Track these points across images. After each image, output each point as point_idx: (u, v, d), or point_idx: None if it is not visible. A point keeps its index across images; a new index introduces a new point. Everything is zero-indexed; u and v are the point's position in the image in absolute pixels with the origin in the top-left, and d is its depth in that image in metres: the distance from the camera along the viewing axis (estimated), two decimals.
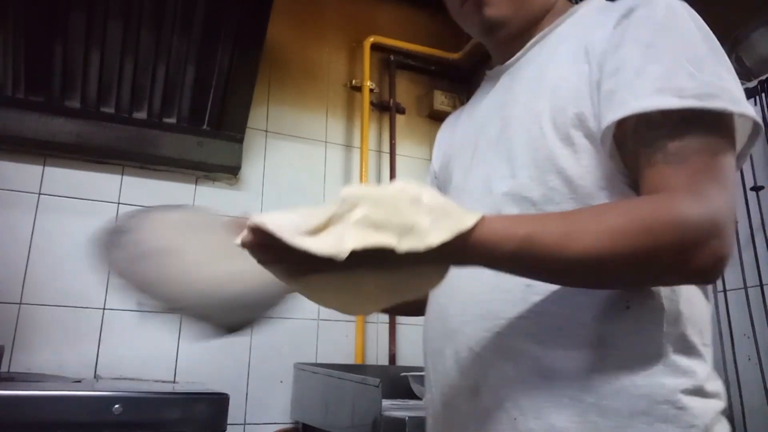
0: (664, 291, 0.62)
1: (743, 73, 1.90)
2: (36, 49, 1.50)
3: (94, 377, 1.55)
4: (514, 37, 0.79)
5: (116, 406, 1.01)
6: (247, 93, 1.71)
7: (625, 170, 0.63)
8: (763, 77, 1.66)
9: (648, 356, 0.60)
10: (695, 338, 0.63)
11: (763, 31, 1.76)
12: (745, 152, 0.64)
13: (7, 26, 1.45)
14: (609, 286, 0.61)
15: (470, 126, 0.85)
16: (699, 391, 0.61)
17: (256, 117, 1.88)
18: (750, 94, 1.68)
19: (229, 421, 1.09)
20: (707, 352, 0.64)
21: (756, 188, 1.63)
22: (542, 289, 0.63)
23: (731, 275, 1.64)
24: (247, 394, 1.69)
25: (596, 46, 0.66)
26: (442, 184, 0.89)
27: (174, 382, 1.61)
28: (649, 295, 0.61)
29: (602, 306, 0.61)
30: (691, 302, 0.64)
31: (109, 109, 1.65)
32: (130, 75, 1.60)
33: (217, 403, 1.09)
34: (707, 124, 0.58)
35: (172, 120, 1.72)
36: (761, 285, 1.55)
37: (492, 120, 0.77)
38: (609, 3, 0.72)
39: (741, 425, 1.48)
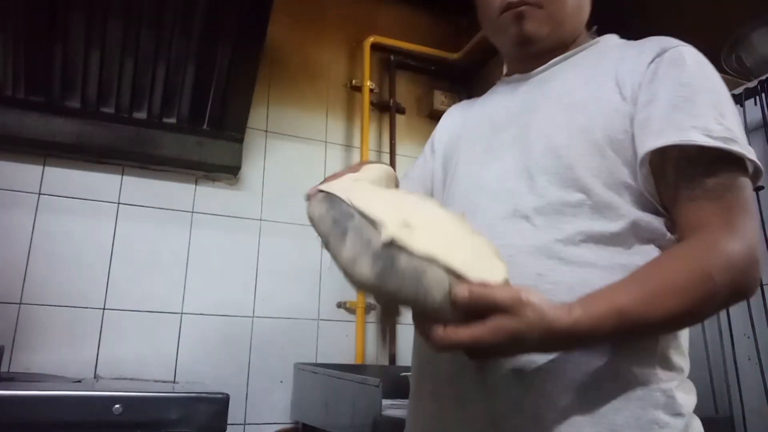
0: None
1: (743, 73, 1.90)
2: (36, 49, 1.50)
3: (94, 377, 1.55)
4: (543, 53, 0.84)
5: (116, 406, 1.01)
6: (247, 93, 1.71)
7: (653, 190, 0.70)
8: (763, 77, 1.66)
9: (645, 349, 0.67)
10: (682, 339, 0.71)
11: (763, 31, 1.76)
12: None
13: (7, 26, 1.45)
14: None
15: (483, 123, 0.89)
16: (684, 385, 0.69)
17: (256, 117, 1.88)
18: (750, 94, 1.68)
19: (229, 421, 1.09)
20: (687, 353, 0.73)
21: (756, 188, 1.62)
22: (552, 278, 0.69)
23: None
24: (247, 394, 1.69)
25: (626, 78, 0.73)
26: (444, 158, 0.94)
27: (174, 382, 1.60)
28: None
29: None
30: None
31: (109, 109, 1.65)
32: (130, 75, 1.60)
33: (217, 403, 1.09)
34: (734, 164, 0.68)
35: (172, 120, 1.72)
36: (761, 285, 1.55)
37: (510, 123, 0.82)
38: (628, 41, 0.81)
39: (741, 425, 1.48)
